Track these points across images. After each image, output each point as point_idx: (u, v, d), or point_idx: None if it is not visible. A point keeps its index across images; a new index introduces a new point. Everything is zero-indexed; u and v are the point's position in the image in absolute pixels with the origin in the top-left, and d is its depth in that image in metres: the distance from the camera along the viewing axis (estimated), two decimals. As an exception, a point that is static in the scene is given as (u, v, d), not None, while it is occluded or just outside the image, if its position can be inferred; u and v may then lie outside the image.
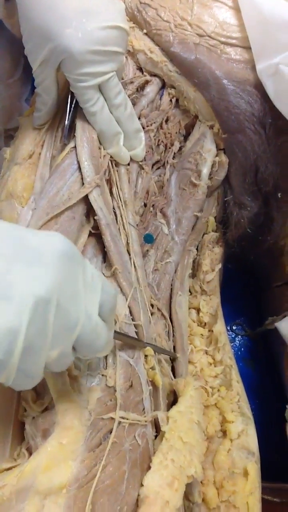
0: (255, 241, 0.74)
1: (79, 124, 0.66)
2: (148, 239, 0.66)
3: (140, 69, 0.76)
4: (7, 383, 0.39)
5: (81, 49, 0.57)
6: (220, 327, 0.68)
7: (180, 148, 0.75)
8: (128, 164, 0.70)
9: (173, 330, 0.66)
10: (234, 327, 0.84)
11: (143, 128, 0.71)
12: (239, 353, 0.83)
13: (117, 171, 0.69)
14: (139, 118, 0.71)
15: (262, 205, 0.71)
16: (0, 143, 0.83)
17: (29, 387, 0.42)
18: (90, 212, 0.65)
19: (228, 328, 0.84)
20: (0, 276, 0.36)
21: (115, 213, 0.66)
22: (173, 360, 0.65)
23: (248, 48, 0.70)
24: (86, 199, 0.64)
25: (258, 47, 0.68)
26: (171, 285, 0.69)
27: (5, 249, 0.38)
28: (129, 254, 0.64)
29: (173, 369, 0.65)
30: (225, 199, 0.72)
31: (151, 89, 0.75)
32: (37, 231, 0.43)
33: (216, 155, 0.71)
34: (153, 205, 0.71)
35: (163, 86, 0.76)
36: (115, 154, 0.67)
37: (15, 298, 0.36)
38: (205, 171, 0.70)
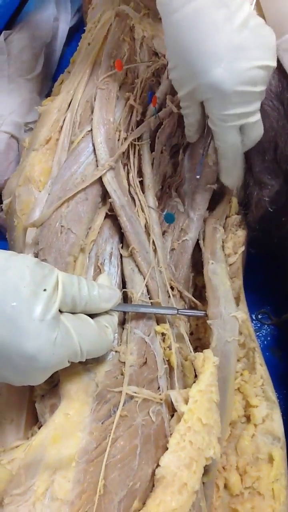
0: (278, 222, 0.71)
1: (96, 107, 0.66)
2: (169, 218, 0.65)
3: (156, 54, 0.76)
4: None
5: (230, 90, 0.52)
6: (242, 309, 0.65)
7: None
8: (152, 151, 0.69)
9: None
10: (259, 316, 0.81)
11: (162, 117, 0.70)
12: (265, 342, 0.79)
13: (140, 155, 0.68)
14: (164, 105, 0.70)
15: (283, 183, 0.68)
16: (20, 135, 0.84)
17: None
18: (106, 194, 0.64)
19: (253, 317, 0.81)
20: None
21: (132, 197, 0.65)
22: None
23: (264, 25, 0.68)
24: (101, 182, 0.63)
25: (274, 22, 0.66)
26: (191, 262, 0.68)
27: None
28: (149, 236, 0.63)
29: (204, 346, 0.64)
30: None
31: (169, 74, 0.74)
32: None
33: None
34: (168, 186, 0.70)
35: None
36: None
37: None
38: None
